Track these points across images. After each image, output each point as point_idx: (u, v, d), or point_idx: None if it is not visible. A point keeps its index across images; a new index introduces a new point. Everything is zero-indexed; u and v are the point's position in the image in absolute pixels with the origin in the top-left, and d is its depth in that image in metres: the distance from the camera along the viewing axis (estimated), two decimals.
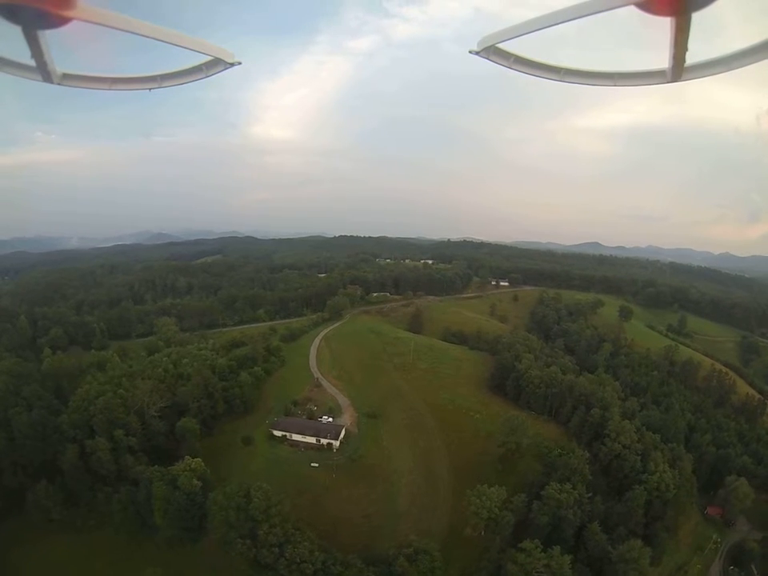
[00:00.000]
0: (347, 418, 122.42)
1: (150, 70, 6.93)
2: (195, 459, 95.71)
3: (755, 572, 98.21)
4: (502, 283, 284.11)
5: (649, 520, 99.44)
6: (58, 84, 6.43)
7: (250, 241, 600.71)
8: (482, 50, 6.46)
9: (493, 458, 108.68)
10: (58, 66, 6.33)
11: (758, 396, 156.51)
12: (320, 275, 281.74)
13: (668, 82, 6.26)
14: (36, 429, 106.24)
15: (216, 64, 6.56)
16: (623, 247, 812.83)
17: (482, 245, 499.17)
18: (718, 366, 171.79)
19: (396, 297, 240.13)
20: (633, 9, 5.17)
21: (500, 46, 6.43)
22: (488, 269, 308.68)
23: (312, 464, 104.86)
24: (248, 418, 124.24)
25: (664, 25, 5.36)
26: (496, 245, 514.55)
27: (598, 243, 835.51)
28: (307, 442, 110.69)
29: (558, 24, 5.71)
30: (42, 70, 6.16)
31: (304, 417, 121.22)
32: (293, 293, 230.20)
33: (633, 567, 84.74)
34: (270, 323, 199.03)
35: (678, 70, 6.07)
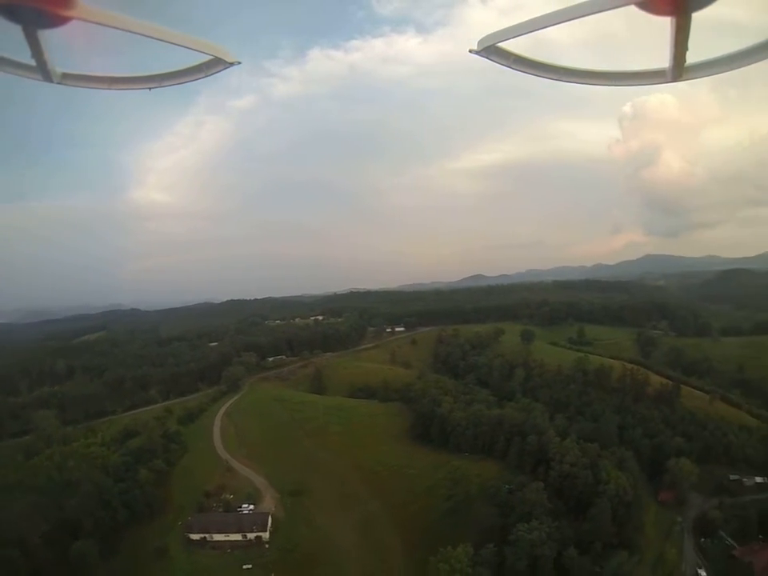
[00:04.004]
0: (269, 502, 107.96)
1: (150, 69, 6.79)
2: None
3: (725, 536, 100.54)
4: (397, 329, 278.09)
5: (617, 527, 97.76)
6: (58, 83, 6.45)
7: (134, 313, 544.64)
8: (482, 50, 6.36)
9: (441, 513, 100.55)
10: (58, 66, 6.34)
11: (669, 382, 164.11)
12: (211, 344, 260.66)
13: (668, 82, 6.24)
14: None
15: (216, 63, 6.48)
16: (506, 275, 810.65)
17: (368, 293, 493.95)
18: (628, 365, 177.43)
19: (293, 358, 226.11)
20: (633, 9, 5.16)
21: (500, 45, 6.30)
22: (381, 316, 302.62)
23: (244, 566, 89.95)
24: (156, 523, 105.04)
25: (664, 25, 5.35)
26: (383, 291, 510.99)
27: (480, 275, 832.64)
28: (232, 541, 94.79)
29: (557, 24, 5.68)
30: (42, 70, 6.18)
31: (221, 510, 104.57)
32: (184, 367, 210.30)
33: None
34: (163, 404, 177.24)
35: (678, 69, 6.05)
